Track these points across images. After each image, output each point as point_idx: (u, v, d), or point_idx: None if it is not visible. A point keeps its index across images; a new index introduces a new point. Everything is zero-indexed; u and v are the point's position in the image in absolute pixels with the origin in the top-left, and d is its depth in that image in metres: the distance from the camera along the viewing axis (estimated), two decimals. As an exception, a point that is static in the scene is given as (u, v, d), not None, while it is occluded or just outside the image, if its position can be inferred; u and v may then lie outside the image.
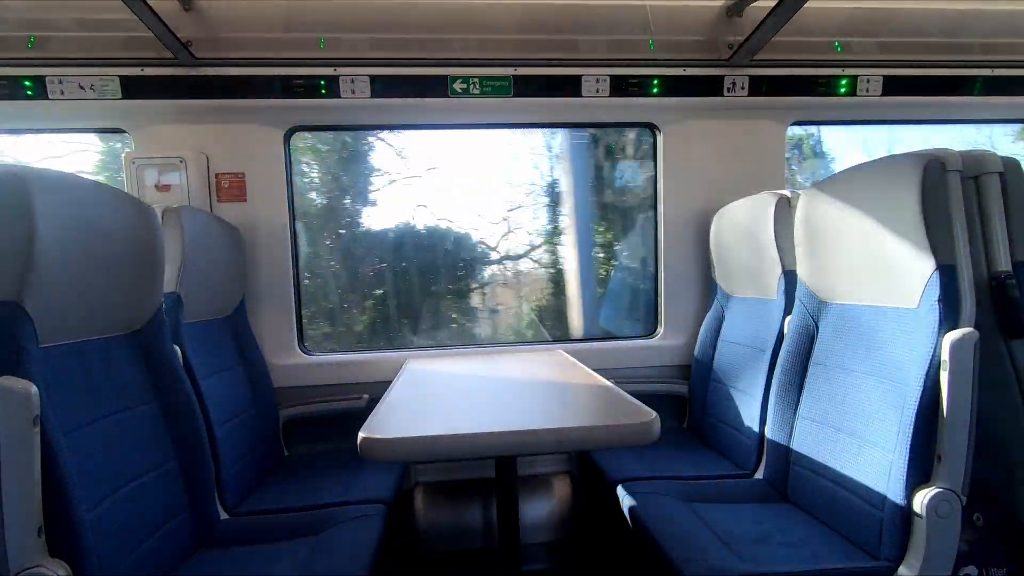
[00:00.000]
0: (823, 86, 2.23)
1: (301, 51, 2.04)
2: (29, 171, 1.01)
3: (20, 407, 0.93)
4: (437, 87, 2.10)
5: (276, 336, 2.19)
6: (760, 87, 2.21)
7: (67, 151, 2.39)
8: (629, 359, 2.33)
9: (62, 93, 1.97)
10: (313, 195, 2.56)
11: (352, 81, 2.06)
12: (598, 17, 2.10)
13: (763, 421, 1.73)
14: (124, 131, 2.09)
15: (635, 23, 2.12)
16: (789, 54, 2.20)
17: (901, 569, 1.13)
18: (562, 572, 2.15)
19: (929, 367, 1.14)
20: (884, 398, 1.26)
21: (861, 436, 1.31)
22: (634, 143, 2.61)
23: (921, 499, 1.11)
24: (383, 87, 2.08)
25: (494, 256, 2.66)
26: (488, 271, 2.67)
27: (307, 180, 2.52)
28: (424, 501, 2.22)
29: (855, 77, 2.23)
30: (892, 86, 2.26)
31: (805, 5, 1.81)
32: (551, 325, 2.69)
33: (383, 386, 1.54)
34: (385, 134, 2.54)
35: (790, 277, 1.74)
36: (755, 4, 2.06)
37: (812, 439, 1.48)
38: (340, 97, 2.07)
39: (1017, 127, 2.70)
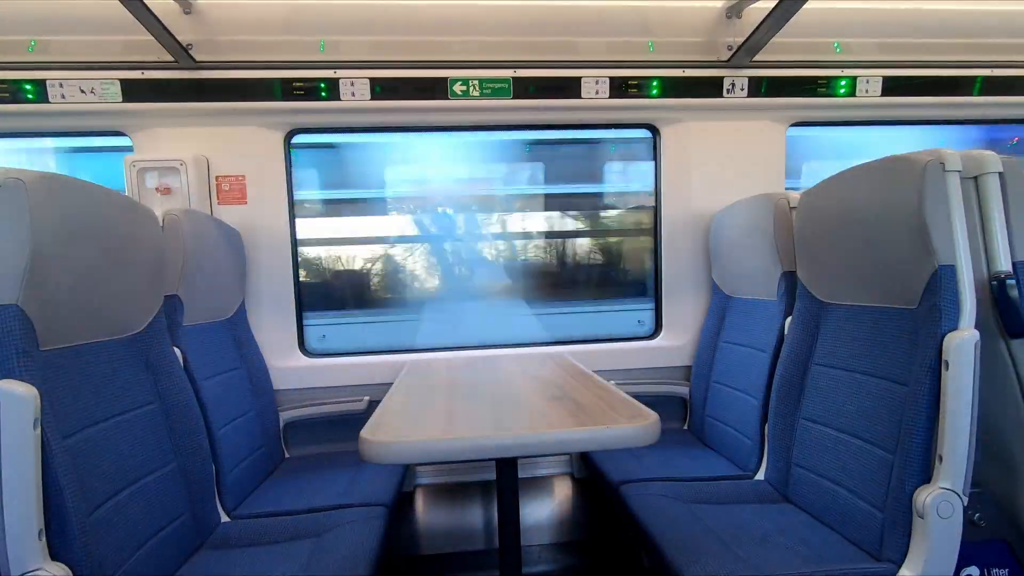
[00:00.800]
0: (823, 87, 2.23)
1: (301, 54, 2.04)
2: (30, 174, 1.02)
3: (21, 410, 0.94)
4: (437, 89, 2.10)
5: (276, 338, 2.19)
6: (759, 88, 2.21)
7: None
8: (629, 360, 2.33)
9: (63, 97, 1.97)
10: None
11: (352, 83, 2.07)
12: (597, 19, 2.11)
13: (764, 422, 1.73)
14: (124, 134, 2.09)
15: (634, 25, 2.13)
16: (788, 55, 2.20)
17: (903, 570, 1.13)
18: (563, 574, 2.15)
19: (930, 367, 1.13)
20: (885, 398, 1.25)
21: (862, 437, 1.31)
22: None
23: (922, 499, 1.11)
24: (383, 89, 2.08)
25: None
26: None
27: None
28: (424, 503, 2.22)
29: (855, 78, 2.23)
30: (892, 87, 2.26)
31: (804, 6, 1.82)
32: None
33: (383, 388, 1.54)
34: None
35: (790, 278, 1.74)
36: (754, 5, 2.06)
37: (813, 440, 1.48)
38: (340, 99, 2.07)
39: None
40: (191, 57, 1.97)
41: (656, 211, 2.38)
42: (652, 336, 2.40)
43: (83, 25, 1.95)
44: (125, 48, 1.98)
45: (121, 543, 1.12)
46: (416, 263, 2.68)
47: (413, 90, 2.10)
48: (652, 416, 1.08)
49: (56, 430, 1.00)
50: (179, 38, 1.89)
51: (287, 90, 2.05)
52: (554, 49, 2.13)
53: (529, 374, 1.70)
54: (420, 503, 2.21)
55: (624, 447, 1.06)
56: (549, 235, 2.78)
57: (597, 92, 2.16)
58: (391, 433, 1.07)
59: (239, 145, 2.12)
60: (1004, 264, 1.25)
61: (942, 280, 1.14)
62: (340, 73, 2.06)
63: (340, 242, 2.59)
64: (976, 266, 1.22)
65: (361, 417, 2.16)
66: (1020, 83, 2.32)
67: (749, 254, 1.93)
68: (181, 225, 1.62)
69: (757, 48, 2.07)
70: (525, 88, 2.13)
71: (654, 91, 2.18)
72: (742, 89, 2.21)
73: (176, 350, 1.51)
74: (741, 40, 2.09)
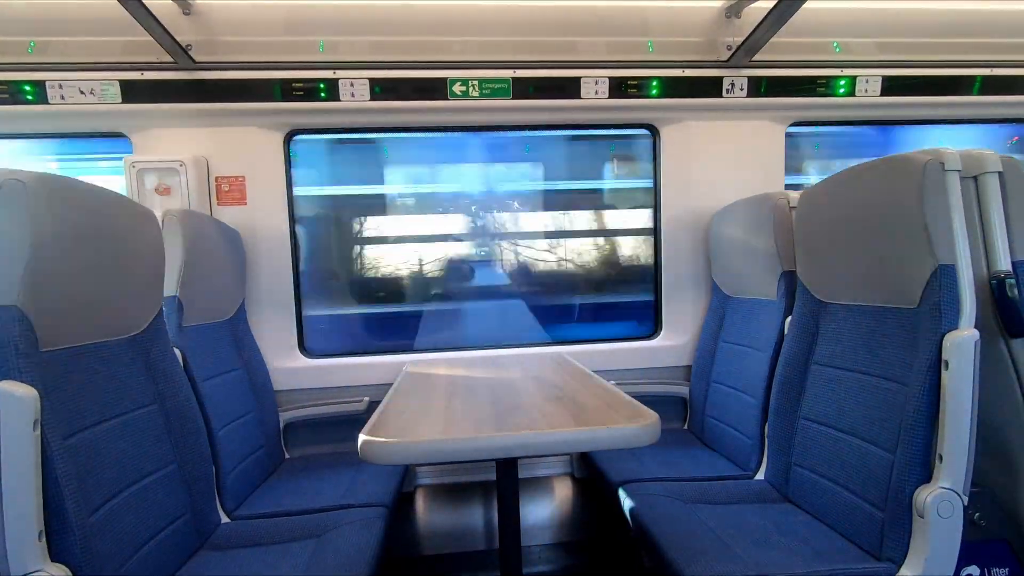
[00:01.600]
0: (822, 86, 2.23)
1: (300, 54, 2.05)
2: (30, 175, 1.02)
3: (20, 411, 0.94)
4: (436, 89, 2.10)
5: (276, 339, 2.19)
6: (759, 88, 2.21)
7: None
8: (629, 360, 2.33)
9: (62, 98, 1.97)
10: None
11: (352, 84, 2.07)
12: (597, 19, 2.11)
13: (764, 422, 1.73)
14: (124, 135, 2.09)
15: (634, 25, 2.13)
16: (788, 55, 2.20)
17: (903, 569, 1.13)
18: (563, 574, 2.15)
19: (930, 367, 1.13)
20: (885, 398, 1.25)
21: (862, 436, 1.31)
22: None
23: (922, 499, 1.11)
24: (383, 90, 2.08)
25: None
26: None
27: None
28: (425, 504, 2.22)
29: (854, 77, 2.23)
30: (891, 86, 2.26)
31: (803, 5, 1.82)
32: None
33: (383, 389, 1.54)
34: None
35: (790, 278, 1.74)
36: (753, 5, 2.06)
37: (813, 439, 1.48)
38: (340, 100, 2.07)
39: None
40: (190, 58, 1.97)
41: (656, 211, 2.38)
42: (652, 336, 2.40)
43: (82, 26, 1.95)
44: (124, 49, 1.98)
45: (121, 544, 1.12)
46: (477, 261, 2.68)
47: (413, 90, 2.10)
48: (652, 416, 1.08)
49: (56, 431, 1.00)
50: (178, 39, 1.89)
51: (286, 91, 2.05)
52: (553, 49, 2.13)
53: (529, 374, 1.70)
54: (420, 503, 2.21)
55: (624, 447, 1.06)
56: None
57: (596, 92, 2.16)
58: (391, 433, 1.07)
59: (239, 146, 2.12)
60: (1004, 263, 1.25)
61: (942, 280, 1.14)
62: (339, 73, 2.06)
63: (411, 239, 2.60)
64: (976, 266, 1.22)
65: (361, 417, 2.16)
66: (1020, 83, 2.32)
67: (749, 254, 1.93)
68: (181, 226, 1.62)
69: (756, 48, 2.07)
70: (524, 88, 2.13)
71: (654, 91, 2.18)
72: (741, 89, 2.21)
73: (176, 351, 1.51)
74: (740, 40, 2.09)
